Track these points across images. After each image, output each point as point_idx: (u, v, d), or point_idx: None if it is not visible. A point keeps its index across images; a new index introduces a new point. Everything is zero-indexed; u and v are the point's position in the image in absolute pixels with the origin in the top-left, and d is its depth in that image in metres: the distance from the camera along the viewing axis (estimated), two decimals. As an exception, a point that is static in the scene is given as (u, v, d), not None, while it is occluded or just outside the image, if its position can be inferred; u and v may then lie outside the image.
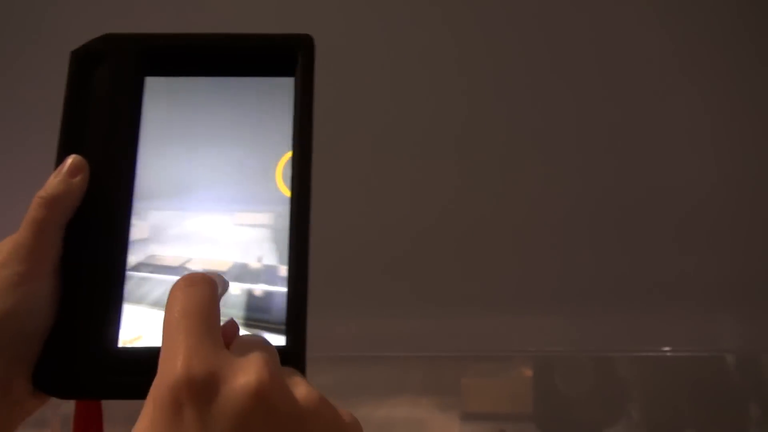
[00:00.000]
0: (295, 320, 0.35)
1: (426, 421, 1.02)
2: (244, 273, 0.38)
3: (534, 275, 0.99)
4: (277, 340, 0.35)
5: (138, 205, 0.38)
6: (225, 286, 0.35)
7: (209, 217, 0.39)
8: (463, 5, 0.98)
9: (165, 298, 0.31)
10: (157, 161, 0.39)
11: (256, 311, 0.37)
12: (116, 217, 0.37)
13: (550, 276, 0.99)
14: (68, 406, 0.39)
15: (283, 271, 0.37)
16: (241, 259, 0.39)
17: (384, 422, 1.02)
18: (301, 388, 0.30)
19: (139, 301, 0.37)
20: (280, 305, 0.37)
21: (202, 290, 0.31)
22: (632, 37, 0.99)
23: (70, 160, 0.36)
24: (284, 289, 0.37)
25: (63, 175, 0.36)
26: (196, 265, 0.38)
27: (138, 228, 0.38)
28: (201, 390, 0.27)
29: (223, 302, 0.34)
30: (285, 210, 0.38)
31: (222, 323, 0.32)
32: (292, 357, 0.34)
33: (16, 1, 0.93)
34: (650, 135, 0.99)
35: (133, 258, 0.37)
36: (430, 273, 1.00)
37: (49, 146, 0.37)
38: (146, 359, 0.32)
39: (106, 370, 0.34)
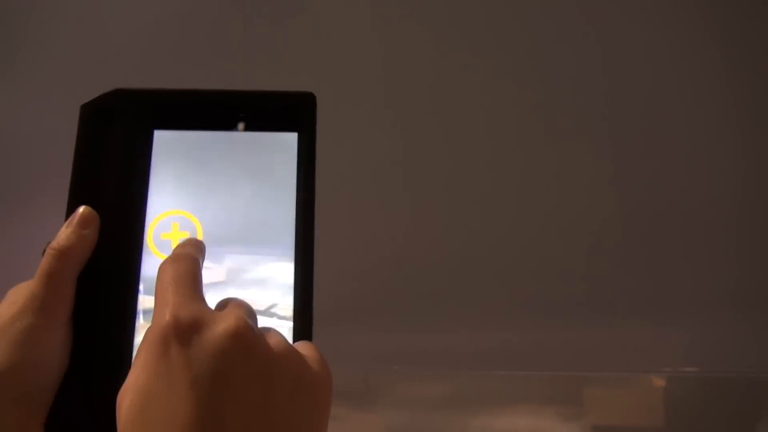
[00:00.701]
0: None
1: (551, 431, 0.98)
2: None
3: (666, 283, 0.91)
4: None
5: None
6: (204, 257, 0.39)
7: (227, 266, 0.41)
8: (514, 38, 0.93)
9: None
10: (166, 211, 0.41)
11: None
12: (127, 267, 0.38)
13: (685, 284, 0.90)
14: None
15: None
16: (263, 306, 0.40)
17: (505, 432, 0.99)
18: (273, 338, 0.33)
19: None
20: None
21: (186, 264, 0.35)
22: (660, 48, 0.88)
23: (81, 211, 0.38)
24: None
25: (74, 227, 0.37)
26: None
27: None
28: (186, 332, 0.31)
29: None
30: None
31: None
32: None
33: (26, 53, 0.99)
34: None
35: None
36: (552, 283, 0.95)
37: (61, 197, 0.39)
38: None
39: None
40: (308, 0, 0.97)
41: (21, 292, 0.36)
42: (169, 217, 0.40)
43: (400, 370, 1.02)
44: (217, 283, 0.40)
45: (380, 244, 0.99)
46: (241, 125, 0.42)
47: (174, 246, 0.39)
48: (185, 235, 0.40)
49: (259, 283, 0.40)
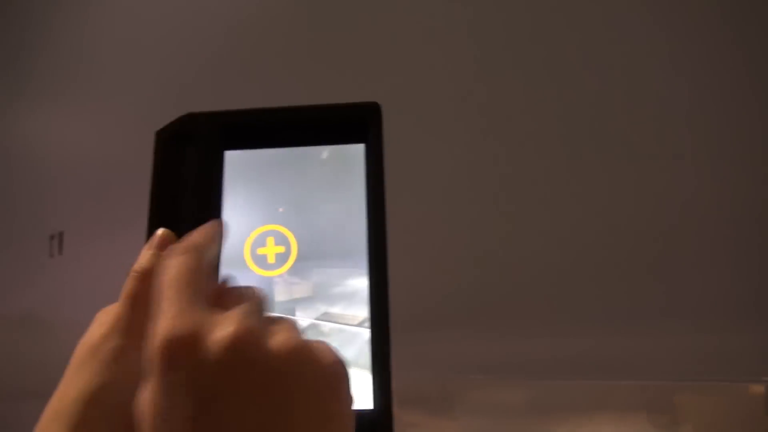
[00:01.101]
0: (380, 384, 0.34)
1: (640, 440, 0.93)
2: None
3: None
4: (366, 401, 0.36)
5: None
6: (218, 242, 0.36)
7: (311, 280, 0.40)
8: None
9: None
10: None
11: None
12: None
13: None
14: None
15: None
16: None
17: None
18: (279, 337, 0.31)
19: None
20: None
21: (184, 260, 0.33)
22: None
23: (160, 233, 0.38)
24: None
25: (154, 249, 0.38)
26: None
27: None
28: (182, 348, 0.29)
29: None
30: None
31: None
32: (379, 423, 0.35)
33: (103, 80, 0.99)
34: None
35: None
36: (638, 288, 0.91)
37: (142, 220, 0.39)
38: None
39: None
40: (377, 12, 0.96)
41: (109, 314, 0.37)
42: (264, 232, 0.40)
43: (478, 379, 1.00)
44: (305, 299, 0.40)
45: (461, 255, 0.98)
46: (308, 140, 0.42)
47: (269, 260, 0.39)
48: (281, 250, 0.40)
49: (348, 297, 0.39)
